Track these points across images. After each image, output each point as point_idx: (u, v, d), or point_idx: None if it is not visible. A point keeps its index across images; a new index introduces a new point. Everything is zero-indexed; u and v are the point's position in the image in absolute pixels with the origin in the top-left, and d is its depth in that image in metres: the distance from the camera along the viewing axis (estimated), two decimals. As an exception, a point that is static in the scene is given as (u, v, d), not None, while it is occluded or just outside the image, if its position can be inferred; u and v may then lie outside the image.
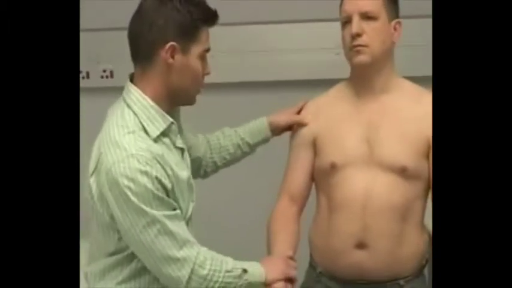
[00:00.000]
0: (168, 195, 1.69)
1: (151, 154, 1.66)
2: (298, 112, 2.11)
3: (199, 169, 2.07)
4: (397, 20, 1.96)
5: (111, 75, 3.07)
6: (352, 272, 1.97)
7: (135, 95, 1.73)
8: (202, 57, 1.75)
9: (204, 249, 1.75)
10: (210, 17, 1.73)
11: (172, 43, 1.68)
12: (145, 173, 1.63)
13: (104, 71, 3.08)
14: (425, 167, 1.92)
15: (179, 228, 1.69)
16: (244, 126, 2.13)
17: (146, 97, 1.72)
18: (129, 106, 1.73)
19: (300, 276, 2.08)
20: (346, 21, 1.93)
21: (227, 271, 1.74)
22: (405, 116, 1.95)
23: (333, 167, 1.97)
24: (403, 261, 1.97)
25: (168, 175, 1.69)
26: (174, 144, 1.77)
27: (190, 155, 1.91)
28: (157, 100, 1.73)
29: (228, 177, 2.29)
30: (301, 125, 2.07)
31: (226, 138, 2.11)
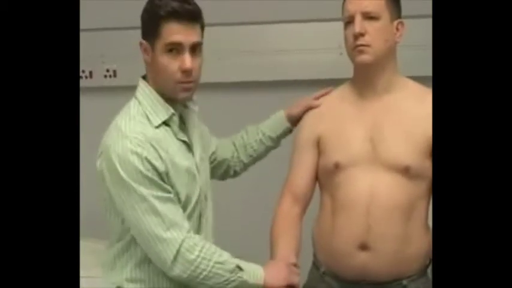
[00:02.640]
0: (162, 179, 1.74)
1: (145, 137, 1.73)
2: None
3: (228, 170, 2.16)
4: (399, 20, 1.96)
5: (115, 75, 3.07)
6: (355, 273, 1.97)
7: (142, 87, 1.84)
8: (170, 52, 1.76)
9: (197, 236, 1.77)
10: (169, 12, 1.73)
11: (141, 41, 1.81)
12: (136, 153, 1.71)
13: (107, 71, 3.08)
14: (429, 167, 1.91)
15: (169, 210, 1.72)
16: (265, 121, 2.18)
17: (151, 89, 1.81)
18: (135, 97, 1.84)
19: (303, 275, 2.08)
20: (349, 21, 1.93)
21: (218, 262, 1.74)
22: (409, 115, 1.95)
23: (337, 167, 1.97)
24: (407, 262, 1.96)
25: (161, 158, 1.74)
26: (175, 135, 1.82)
27: (216, 158, 2.07)
28: (160, 92, 1.81)
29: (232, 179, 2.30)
30: (314, 107, 2.09)
31: (249, 136, 2.16)
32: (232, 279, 1.76)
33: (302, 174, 2.06)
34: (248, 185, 2.53)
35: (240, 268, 1.76)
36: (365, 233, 1.92)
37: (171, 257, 1.72)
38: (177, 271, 1.73)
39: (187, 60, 1.75)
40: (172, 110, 1.80)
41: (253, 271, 1.80)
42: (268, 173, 2.36)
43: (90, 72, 3.09)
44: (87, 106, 2.35)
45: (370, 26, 1.89)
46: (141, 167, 1.70)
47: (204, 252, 1.73)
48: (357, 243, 1.93)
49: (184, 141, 1.85)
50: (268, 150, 2.19)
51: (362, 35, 1.89)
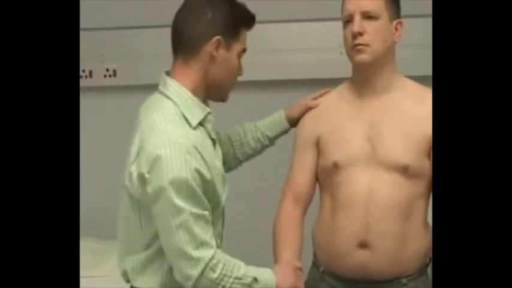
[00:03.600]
0: (206, 188, 1.74)
1: (191, 142, 1.72)
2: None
3: (223, 165, 2.08)
4: (398, 20, 1.96)
5: (114, 74, 3.07)
6: (355, 272, 1.97)
7: (173, 87, 1.79)
8: (240, 57, 1.85)
9: (219, 252, 1.76)
10: (250, 19, 1.84)
11: (218, 37, 1.77)
12: (185, 161, 1.68)
13: (107, 70, 3.08)
14: (428, 166, 1.92)
15: (202, 229, 1.72)
16: (263, 120, 2.16)
17: (184, 88, 1.79)
18: (168, 97, 1.79)
19: (303, 274, 2.08)
20: (348, 20, 1.93)
21: (237, 278, 1.75)
22: (407, 115, 1.95)
23: (336, 166, 1.97)
24: (406, 260, 1.97)
25: (207, 164, 1.74)
26: (209, 134, 1.84)
27: None
28: (194, 92, 1.80)
29: (232, 177, 2.30)
30: (313, 107, 2.09)
31: (247, 133, 2.14)
32: None
33: (303, 174, 2.06)
34: (248, 185, 2.53)
35: (255, 280, 1.77)
36: (364, 232, 1.92)
37: (195, 275, 1.72)
38: None
39: (242, 65, 1.87)
40: (208, 109, 1.82)
41: (267, 279, 1.81)
42: (269, 173, 2.36)
43: (90, 72, 3.09)
44: (87, 106, 2.35)
45: (369, 26, 1.90)
46: (189, 177, 1.68)
47: (225, 269, 1.74)
48: (356, 242, 1.94)
49: (213, 139, 1.87)
50: (264, 148, 2.17)
51: (361, 34, 1.89)
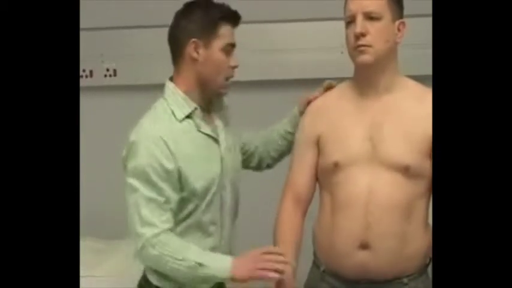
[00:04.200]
0: (167, 178, 1.89)
1: (162, 133, 1.90)
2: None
3: (261, 162, 2.28)
4: (401, 20, 1.96)
5: (115, 74, 3.08)
6: (355, 272, 1.97)
7: (169, 88, 2.00)
8: (226, 51, 1.97)
9: (168, 233, 1.90)
10: (227, 15, 1.96)
11: (194, 39, 1.94)
12: (147, 148, 1.88)
13: (108, 70, 3.08)
14: (428, 166, 1.91)
15: (151, 211, 1.89)
16: (285, 117, 2.26)
17: (178, 89, 1.98)
18: (163, 97, 2.00)
19: (303, 275, 2.09)
20: (350, 21, 1.93)
21: (178, 259, 1.88)
22: (408, 115, 1.95)
23: (336, 166, 1.97)
24: (407, 260, 1.96)
25: (172, 155, 1.89)
26: (198, 128, 1.98)
27: (247, 150, 2.22)
28: (189, 92, 1.97)
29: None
30: (312, 99, 2.12)
31: (273, 132, 2.27)
32: (196, 274, 1.88)
33: (302, 173, 2.06)
34: (249, 184, 2.52)
35: (200, 264, 1.87)
36: (365, 231, 1.92)
37: (137, 248, 1.90)
38: (141, 261, 1.96)
39: (236, 58, 2.00)
40: (195, 105, 1.97)
41: (219, 265, 1.88)
42: (269, 172, 2.36)
43: (90, 72, 3.09)
44: (87, 105, 2.34)
45: (372, 26, 1.89)
46: (145, 163, 1.88)
47: (166, 250, 1.88)
48: (356, 242, 1.93)
49: (207, 134, 1.99)
50: (290, 145, 2.22)
51: (363, 35, 1.89)
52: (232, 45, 1.98)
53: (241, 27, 2.78)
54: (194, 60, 1.95)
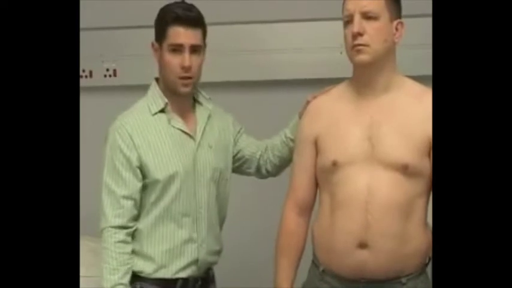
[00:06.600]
0: (130, 167, 2.04)
1: (125, 124, 2.07)
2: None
3: (260, 168, 2.31)
4: (399, 20, 1.96)
5: (114, 74, 3.08)
6: (354, 271, 1.97)
7: (152, 85, 2.17)
8: (173, 51, 2.07)
9: (118, 234, 2.04)
10: (173, 18, 2.06)
11: (152, 42, 2.13)
12: (114, 141, 2.05)
13: (107, 70, 3.08)
14: (427, 165, 1.92)
15: (108, 203, 2.05)
16: (288, 124, 2.29)
17: (157, 85, 2.15)
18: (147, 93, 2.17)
19: (303, 274, 2.10)
20: (348, 21, 1.93)
21: (107, 262, 2.04)
22: (407, 114, 1.95)
23: (335, 165, 1.97)
24: (406, 260, 1.96)
25: (135, 146, 2.04)
26: (169, 121, 2.10)
27: (244, 155, 2.28)
28: (163, 89, 2.13)
29: (234, 178, 2.30)
30: (310, 100, 2.13)
31: (276, 137, 2.30)
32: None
33: (303, 177, 2.07)
34: (248, 184, 2.52)
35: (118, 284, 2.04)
36: (364, 231, 1.92)
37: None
38: None
39: (186, 58, 2.06)
40: (166, 100, 2.11)
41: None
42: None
43: (90, 72, 3.09)
44: (87, 105, 2.35)
45: (369, 26, 1.90)
46: (109, 150, 2.06)
47: (111, 250, 2.03)
48: (355, 242, 1.93)
49: (179, 129, 2.11)
50: (291, 151, 2.21)
51: (361, 34, 1.90)
52: (179, 45, 2.06)
53: (238, 28, 2.79)
54: (157, 61, 2.13)
